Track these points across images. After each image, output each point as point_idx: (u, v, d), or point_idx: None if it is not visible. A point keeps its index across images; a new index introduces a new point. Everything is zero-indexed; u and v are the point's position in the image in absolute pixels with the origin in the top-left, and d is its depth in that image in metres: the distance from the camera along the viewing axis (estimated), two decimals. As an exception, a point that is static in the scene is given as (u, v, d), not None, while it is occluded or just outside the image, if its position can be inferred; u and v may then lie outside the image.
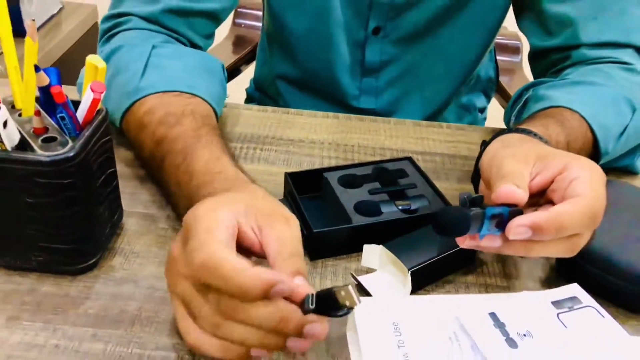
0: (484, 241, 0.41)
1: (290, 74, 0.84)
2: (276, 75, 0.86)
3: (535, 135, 0.52)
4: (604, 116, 0.58)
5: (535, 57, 0.75)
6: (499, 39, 1.18)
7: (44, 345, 0.41)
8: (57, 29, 1.41)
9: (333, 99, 0.83)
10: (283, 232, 0.39)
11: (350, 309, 0.34)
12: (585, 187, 0.42)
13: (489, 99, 0.97)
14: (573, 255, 0.44)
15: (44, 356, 0.40)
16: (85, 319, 0.43)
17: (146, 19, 0.66)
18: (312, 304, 0.34)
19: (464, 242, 0.42)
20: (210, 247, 0.35)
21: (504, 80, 1.11)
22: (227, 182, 0.45)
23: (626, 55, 0.66)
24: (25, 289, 0.45)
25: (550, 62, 0.72)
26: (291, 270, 0.37)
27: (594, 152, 0.59)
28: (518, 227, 0.40)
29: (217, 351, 0.36)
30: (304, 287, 0.36)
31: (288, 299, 0.35)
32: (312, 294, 0.35)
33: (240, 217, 0.38)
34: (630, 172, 0.65)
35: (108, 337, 0.42)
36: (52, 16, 1.45)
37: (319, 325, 0.34)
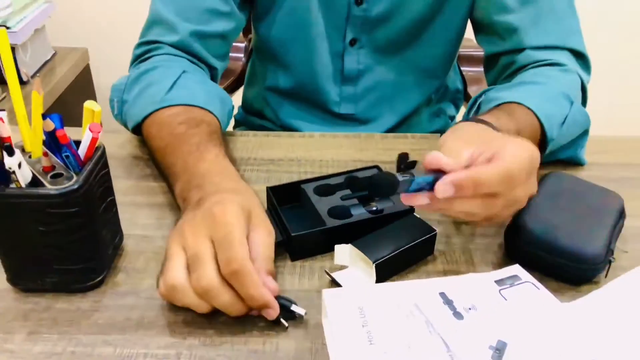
0: (415, 199, 0.50)
1: (279, 84, 0.92)
2: (266, 88, 0.94)
3: (486, 123, 0.59)
4: (547, 107, 0.67)
5: (489, 63, 0.85)
6: (466, 51, 1.26)
7: (62, 353, 0.47)
8: (51, 74, 1.50)
9: (317, 106, 0.91)
10: (266, 240, 0.51)
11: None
12: (507, 154, 0.49)
13: (457, 109, 1.06)
14: (490, 219, 0.51)
15: (63, 360, 0.47)
16: (96, 328, 0.50)
17: (173, 45, 0.78)
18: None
19: (404, 199, 0.51)
20: (243, 257, 0.47)
21: (472, 90, 1.19)
22: (231, 181, 0.57)
23: (562, 57, 0.76)
24: (42, 307, 0.52)
25: (501, 67, 0.82)
26: (267, 270, 0.49)
27: (542, 139, 0.66)
28: (443, 185, 0.48)
29: (192, 303, 0.48)
30: (274, 283, 0.49)
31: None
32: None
33: (246, 220, 0.50)
34: (576, 164, 0.72)
35: (116, 341, 0.48)
36: (46, 62, 1.54)
37: (271, 311, 0.49)
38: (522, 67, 0.78)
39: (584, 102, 0.76)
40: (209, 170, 0.58)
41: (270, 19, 0.87)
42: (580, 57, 0.78)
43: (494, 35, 0.81)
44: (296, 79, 0.90)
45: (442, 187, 0.48)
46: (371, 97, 0.90)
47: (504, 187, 0.49)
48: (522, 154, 0.50)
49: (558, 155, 0.71)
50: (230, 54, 1.31)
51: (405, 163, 0.50)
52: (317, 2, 0.82)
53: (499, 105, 0.67)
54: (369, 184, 0.49)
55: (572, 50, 0.77)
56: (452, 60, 0.92)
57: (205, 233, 0.48)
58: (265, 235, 0.51)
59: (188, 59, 0.79)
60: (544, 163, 0.70)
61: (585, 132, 0.71)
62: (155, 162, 0.70)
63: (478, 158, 0.51)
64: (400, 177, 0.48)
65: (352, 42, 0.85)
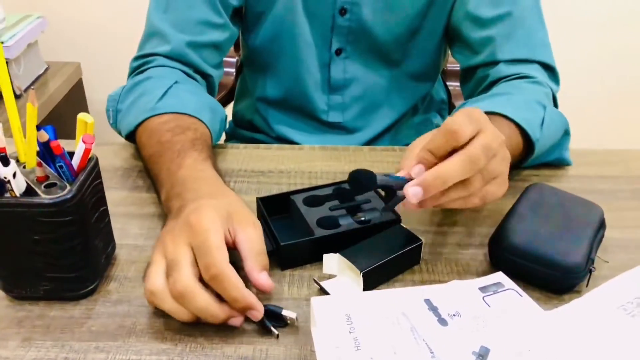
0: (407, 205, 0.53)
1: (268, 94, 0.94)
2: (256, 99, 0.96)
3: None
4: (522, 112, 0.69)
5: (465, 76, 0.88)
6: (453, 67, 1.29)
7: (55, 359, 0.48)
8: (44, 88, 1.51)
9: (306, 114, 0.94)
10: (252, 234, 0.52)
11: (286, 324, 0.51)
12: (469, 145, 0.51)
13: (443, 119, 1.08)
14: (478, 202, 0.54)
15: (55, 367, 0.47)
16: (88, 335, 0.50)
17: (167, 56, 0.80)
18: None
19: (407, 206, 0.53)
20: (221, 261, 0.48)
21: (458, 103, 1.21)
22: (209, 184, 0.59)
23: (532, 70, 0.80)
24: (36, 314, 0.52)
25: (476, 80, 0.86)
26: (260, 266, 0.51)
27: (526, 142, 0.69)
28: (412, 188, 0.51)
29: (171, 308, 0.49)
30: (267, 281, 0.51)
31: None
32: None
33: (224, 223, 0.51)
34: (563, 165, 0.76)
35: (109, 348, 0.49)
36: (39, 76, 1.55)
37: (255, 312, 0.50)
38: (496, 81, 0.82)
39: None
40: (188, 176, 0.59)
41: (258, 30, 0.89)
42: (549, 70, 0.82)
43: (468, 49, 0.85)
44: (285, 88, 0.92)
45: (412, 191, 0.51)
46: (358, 105, 0.92)
47: (468, 171, 0.51)
48: (483, 140, 0.51)
49: (545, 159, 0.74)
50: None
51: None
52: (302, 13, 0.84)
53: None
54: (349, 181, 0.54)
55: (542, 63, 0.81)
56: (438, 67, 0.95)
57: (184, 241, 0.49)
58: (251, 231, 0.52)
59: (182, 70, 0.81)
60: (533, 167, 0.74)
61: (566, 133, 0.75)
62: (147, 171, 0.72)
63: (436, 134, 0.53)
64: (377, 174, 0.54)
65: (338, 52, 0.88)
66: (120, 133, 0.78)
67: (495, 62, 0.82)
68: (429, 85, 0.96)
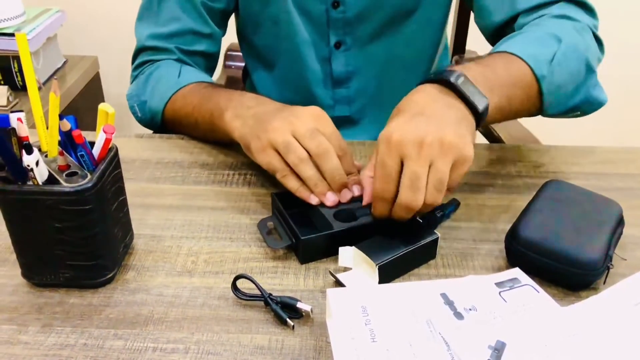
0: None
1: (272, 94, 0.94)
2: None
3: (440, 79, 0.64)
4: (530, 49, 0.68)
5: (492, 37, 0.83)
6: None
7: (74, 345, 0.49)
8: (62, 81, 1.52)
9: None
10: None
11: None
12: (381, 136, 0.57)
13: None
14: (448, 188, 0.55)
15: (75, 352, 0.48)
16: (107, 322, 0.51)
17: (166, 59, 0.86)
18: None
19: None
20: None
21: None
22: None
23: (557, 9, 0.76)
24: (56, 301, 0.53)
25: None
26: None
27: (534, 77, 0.67)
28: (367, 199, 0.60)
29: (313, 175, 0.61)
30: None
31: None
32: None
33: None
34: (595, 107, 0.74)
35: (127, 335, 0.50)
36: (57, 69, 1.57)
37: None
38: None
39: (600, 46, 0.76)
40: (250, 97, 0.71)
41: (256, 31, 0.90)
42: (579, 4, 0.77)
43: (485, 9, 0.80)
44: (289, 86, 0.93)
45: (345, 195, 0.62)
46: (365, 96, 0.92)
47: (418, 189, 0.54)
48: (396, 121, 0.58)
49: (571, 101, 0.72)
50: (233, 63, 1.35)
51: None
52: (296, 12, 0.84)
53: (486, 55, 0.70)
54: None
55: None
56: (439, 47, 0.93)
57: (314, 125, 0.61)
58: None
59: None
60: (556, 114, 0.72)
61: (590, 71, 0.72)
62: (189, 126, 0.77)
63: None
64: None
65: (337, 45, 0.87)
66: (150, 122, 0.83)
67: (515, 16, 0.77)
68: (432, 62, 0.93)
